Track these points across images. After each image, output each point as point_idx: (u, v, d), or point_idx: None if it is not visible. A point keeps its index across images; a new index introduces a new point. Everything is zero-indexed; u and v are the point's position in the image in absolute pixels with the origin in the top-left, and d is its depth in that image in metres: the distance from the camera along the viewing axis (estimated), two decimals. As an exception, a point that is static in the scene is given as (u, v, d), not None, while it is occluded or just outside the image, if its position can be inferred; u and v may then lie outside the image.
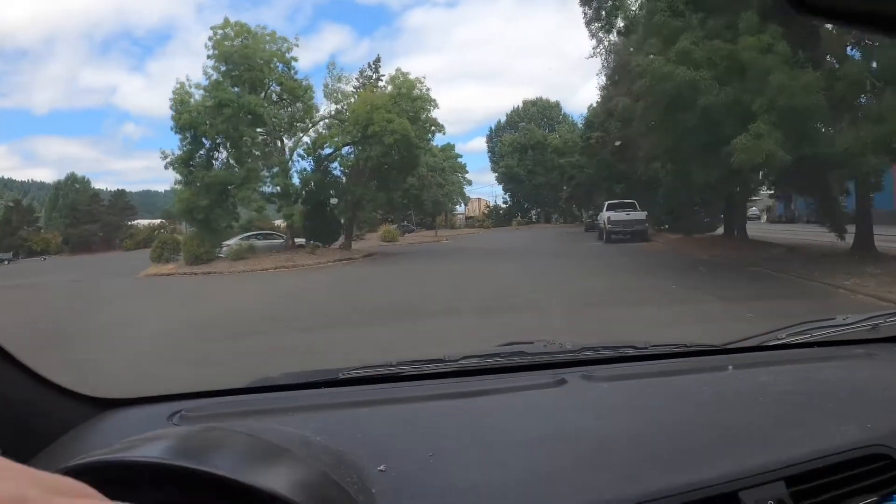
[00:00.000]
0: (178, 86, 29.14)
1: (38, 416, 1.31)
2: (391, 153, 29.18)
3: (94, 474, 0.75)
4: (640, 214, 32.00)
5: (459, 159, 63.50)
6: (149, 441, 0.98)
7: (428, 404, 1.55)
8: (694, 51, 13.84)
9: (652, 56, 14.65)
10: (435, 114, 31.39)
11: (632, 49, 27.49)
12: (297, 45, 31.31)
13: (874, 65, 13.69)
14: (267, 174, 30.48)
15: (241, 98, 28.30)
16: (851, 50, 14.68)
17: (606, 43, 30.53)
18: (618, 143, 29.14)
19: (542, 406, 1.54)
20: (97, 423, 1.41)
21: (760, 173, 18.57)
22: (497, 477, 1.15)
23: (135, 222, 64.07)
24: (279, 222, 34.26)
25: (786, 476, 1.19)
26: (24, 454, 0.85)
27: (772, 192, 30.93)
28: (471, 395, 1.58)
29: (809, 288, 12.61)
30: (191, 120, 28.37)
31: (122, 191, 70.55)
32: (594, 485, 1.14)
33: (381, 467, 1.14)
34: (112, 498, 0.49)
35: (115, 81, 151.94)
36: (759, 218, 52.21)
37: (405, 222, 60.36)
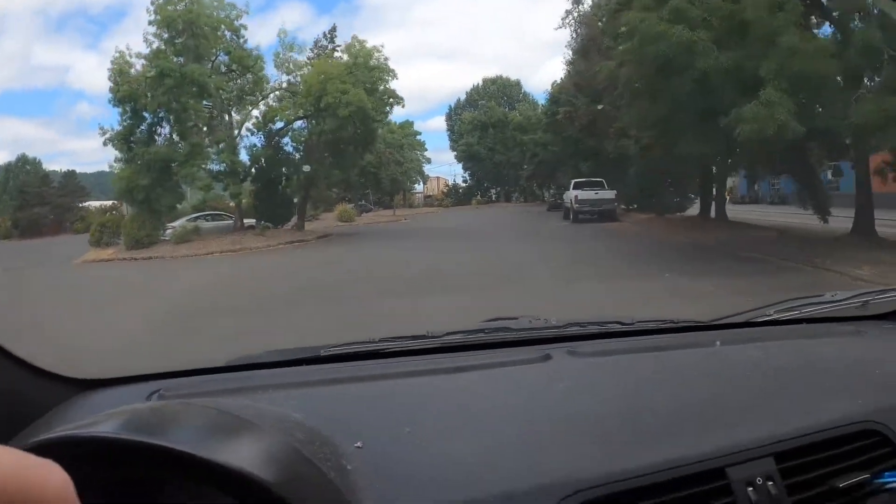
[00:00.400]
0: (118, 55, 27.07)
1: (14, 397, 1.27)
2: (346, 127, 27.40)
3: (60, 451, 0.72)
4: (609, 193, 30.96)
5: (418, 136, 62.17)
6: (109, 417, 0.91)
7: (410, 380, 1.52)
8: (689, 9, 12.39)
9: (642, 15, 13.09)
10: (394, 88, 29.75)
11: (601, 23, 26.33)
12: (248, 13, 29.38)
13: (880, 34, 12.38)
14: (213, 150, 28.53)
15: (185, 68, 26.20)
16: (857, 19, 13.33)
17: (577, 14, 29.24)
18: (600, 108, 27.42)
19: (526, 382, 1.50)
20: (74, 404, 1.36)
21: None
22: (478, 453, 1.12)
23: (86, 204, 61.43)
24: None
25: (775, 452, 1.17)
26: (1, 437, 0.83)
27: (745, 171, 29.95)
28: (454, 371, 1.53)
29: (822, 278, 11.30)
30: (130, 92, 26.43)
31: (73, 172, 66.92)
32: (579, 461, 1.11)
33: (358, 444, 1.09)
34: (81, 476, 0.52)
35: (69, 60, 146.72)
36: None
37: (362, 201, 58.74)
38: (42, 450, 0.74)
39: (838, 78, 12.27)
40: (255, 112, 30.51)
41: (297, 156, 31.28)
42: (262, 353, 1.76)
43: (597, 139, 32.20)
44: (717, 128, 12.71)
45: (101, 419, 0.90)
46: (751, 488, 1.12)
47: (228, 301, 11.89)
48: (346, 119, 26.65)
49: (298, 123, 30.36)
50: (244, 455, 0.84)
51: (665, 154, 18.42)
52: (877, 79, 13.01)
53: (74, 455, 0.75)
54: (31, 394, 1.31)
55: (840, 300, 2.04)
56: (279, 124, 30.19)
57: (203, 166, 28.26)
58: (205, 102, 28.11)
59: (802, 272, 12.06)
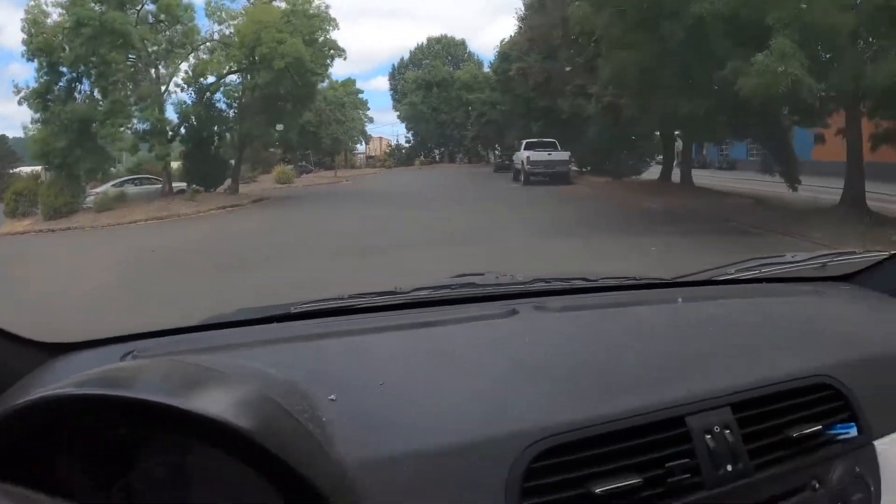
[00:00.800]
0: (33, 3, 24.55)
1: None
2: (282, 81, 25.69)
3: (37, 414, 0.79)
4: (563, 155, 29.69)
5: (360, 95, 61.12)
6: (81, 377, 0.92)
7: (380, 336, 1.54)
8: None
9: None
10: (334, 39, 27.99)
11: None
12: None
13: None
14: (137, 108, 26.32)
15: (104, 16, 23.86)
16: None
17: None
18: (583, 59, 25.75)
19: (493, 336, 1.54)
20: (49, 368, 1.36)
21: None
22: (449, 403, 1.17)
23: (17, 170, 58.22)
24: (176, 165, 30.61)
25: (732, 402, 1.22)
26: None
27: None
28: (423, 326, 1.58)
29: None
30: (45, 44, 24.09)
31: (4, 137, 63.47)
32: (547, 410, 1.16)
33: (332, 396, 1.12)
34: (59, 439, 0.67)
35: (0, 19, 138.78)
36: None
37: (302, 162, 57.12)
38: (19, 415, 0.77)
39: (856, 31, 11.09)
40: (185, 66, 28.36)
41: (231, 113, 29.53)
42: (233, 312, 1.74)
43: (550, 98, 31.19)
44: (708, 83, 11.54)
45: (72, 380, 0.88)
46: (709, 436, 1.16)
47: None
48: (283, 72, 24.99)
49: (232, 78, 28.58)
50: (220, 404, 0.83)
51: (641, 112, 17.13)
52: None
53: (51, 416, 0.77)
54: (2, 359, 1.29)
55: (799, 261, 2.13)
56: (211, 79, 28.17)
57: (128, 126, 26.12)
58: (132, 57, 25.99)
59: (803, 248, 10.66)
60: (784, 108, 14.55)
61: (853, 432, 1.29)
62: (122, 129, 25.50)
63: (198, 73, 27.83)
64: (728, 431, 1.17)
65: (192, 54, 28.36)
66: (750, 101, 10.67)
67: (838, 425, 1.28)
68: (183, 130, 28.06)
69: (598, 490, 1.06)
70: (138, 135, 27.00)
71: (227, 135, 29.01)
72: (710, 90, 11.55)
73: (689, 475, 1.12)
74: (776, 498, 1.21)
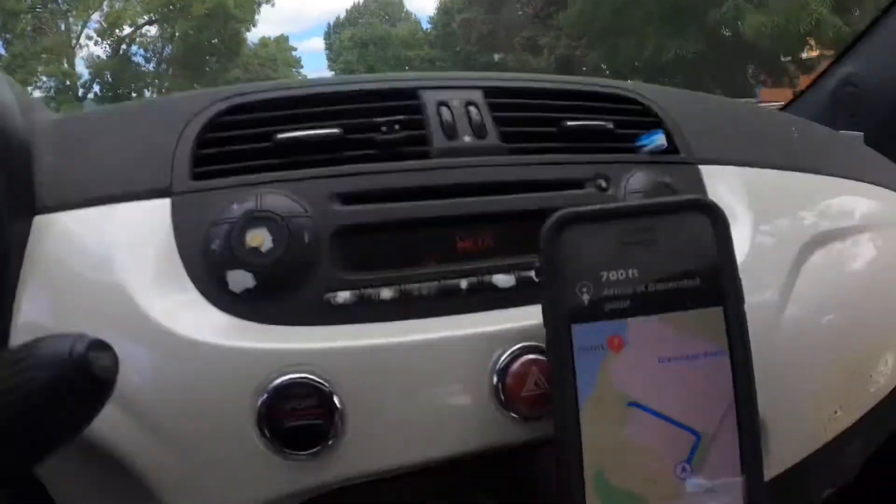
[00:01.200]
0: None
1: None
2: (204, 30, 24.32)
3: None
4: None
5: (294, 52, 58.87)
6: None
7: None
8: None
9: None
10: (269, 12, 26.73)
11: None
12: None
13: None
14: (41, 62, 24.68)
15: (0, -42, 22.00)
16: None
17: None
18: (532, 9, 24.64)
19: None
20: None
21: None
22: None
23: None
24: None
25: (486, 86, 0.95)
26: None
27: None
28: None
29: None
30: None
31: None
32: None
33: None
34: None
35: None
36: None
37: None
38: None
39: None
40: (97, 15, 26.35)
41: (150, 67, 28.02)
42: None
43: (494, 52, 30.69)
44: (697, 24, 10.22)
45: None
46: (444, 107, 0.94)
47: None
48: (204, 18, 23.60)
49: (150, 29, 26.87)
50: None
51: (606, 61, 15.92)
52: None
53: None
54: None
55: None
56: (127, 30, 26.48)
57: (34, 83, 24.53)
58: (38, 9, 24.49)
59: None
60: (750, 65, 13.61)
61: (660, 140, 0.98)
62: (25, 86, 23.41)
63: (111, 22, 26.03)
64: (473, 108, 0.92)
65: (106, 2, 26.29)
66: (757, 43, 9.46)
67: (642, 137, 0.98)
68: (96, 87, 26.55)
69: (280, 136, 0.87)
70: (46, 93, 25.19)
71: (146, 91, 27.38)
72: (700, 32, 10.31)
73: (404, 135, 0.90)
74: (546, 185, 0.92)
